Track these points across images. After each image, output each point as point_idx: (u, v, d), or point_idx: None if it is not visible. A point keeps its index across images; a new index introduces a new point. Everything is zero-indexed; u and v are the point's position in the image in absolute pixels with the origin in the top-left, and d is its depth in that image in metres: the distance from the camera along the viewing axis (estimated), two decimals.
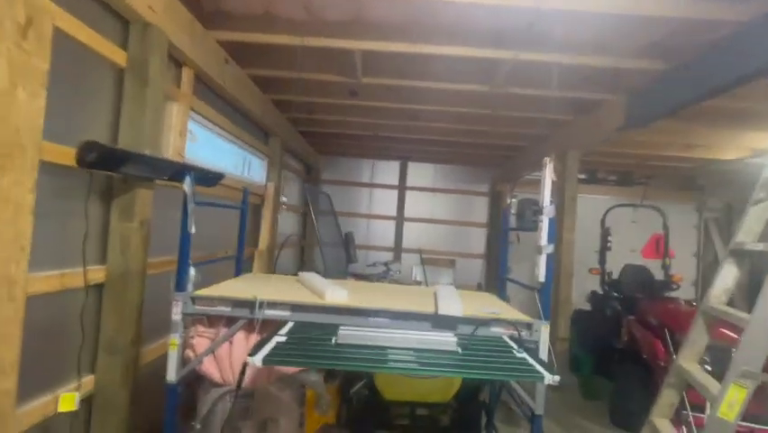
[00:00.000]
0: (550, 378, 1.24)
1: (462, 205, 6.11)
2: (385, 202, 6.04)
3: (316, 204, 4.74)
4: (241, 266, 2.29)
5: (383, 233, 6.02)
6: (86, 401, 1.73)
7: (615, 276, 3.88)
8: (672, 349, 2.50)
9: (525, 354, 1.42)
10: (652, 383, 2.57)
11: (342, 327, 1.46)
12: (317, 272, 2.25)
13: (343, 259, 4.20)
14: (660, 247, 3.93)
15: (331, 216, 4.65)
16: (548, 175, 1.71)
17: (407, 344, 1.41)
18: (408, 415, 2.06)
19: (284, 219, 4.46)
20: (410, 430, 2.14)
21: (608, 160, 4.74)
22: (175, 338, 1.59)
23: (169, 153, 2.11)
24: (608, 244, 3.98)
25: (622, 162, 4.91)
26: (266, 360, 1.22)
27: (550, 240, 1.60)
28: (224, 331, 1.63)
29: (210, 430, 1.60)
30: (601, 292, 3.91)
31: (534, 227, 1.70)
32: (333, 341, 1.39)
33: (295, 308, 1.62)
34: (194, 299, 1.62)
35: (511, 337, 1.59)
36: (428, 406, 2.02)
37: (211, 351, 1.61)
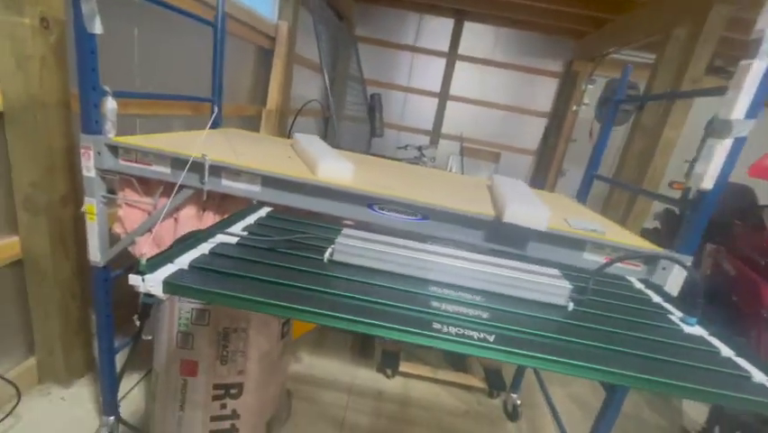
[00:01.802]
0: None
1: (522, 86, 4.97)
2: (428, 74, 4.97)
3: (324, 38, 3.60)
4: (219, 121, 1.65)
5: (421, 112, 5.11)
6: (17, 266, 1.34)
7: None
8: None
9: (700, 330, 0.79)
10: (743, 333, 2.01)
11: (344, 233, 0.84)
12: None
13: (366, 135, 3.46)
14: None
15: (357, 83, 3.77)
16: None
17: (473, 281, 0.76)
18: None
19: (305, 80, 3.66)
20: None
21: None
22: (91, 204, 1.06)
23: None
24: None
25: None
26: (170, 285, 0.60)
27: (751, 113, 0.82)
28: (163, 203, 1.08)
29: (155, 334, 1.18)
30: (678, 213, 3.12)
31: (624, 119, 1.09)
32: (326, 256, 0.80)
33: (267, 181, 1.02)
34: (115, 149, 1.04)
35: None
36: None
37: (146, 229, 1.08)
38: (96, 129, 1.01)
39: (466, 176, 1.66)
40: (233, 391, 1.19)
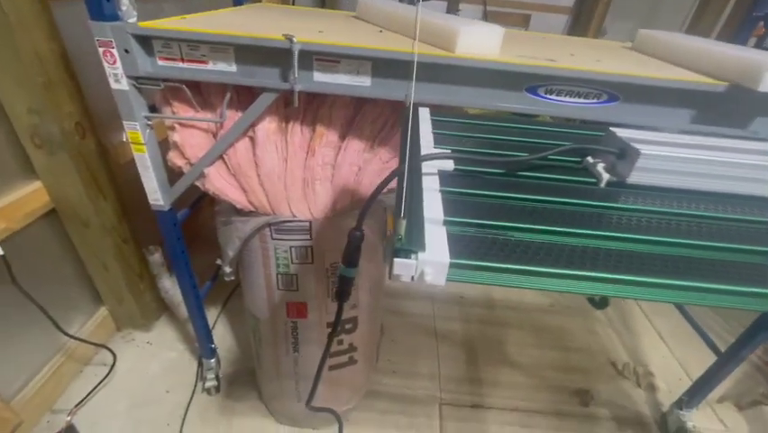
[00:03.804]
0: None
1: None
2: None
3: None
4: None
5: None
6: (53, 217, 1.10)
7: None
8: None
9: None
10: None
11: (626, 136, 0.51)
12: None
13: None
14: None
15: None
16: None
17: None
18: None
19: None
20: None
21: None
22: (134, 130, 0.76)
23: None
24: None
25: None
26: (462, 269, 0.34)
27: None
28: (233, 117, 0.78)
29: (247, 278, 1.00)
30: None
31: None
32: (605, 177, 0.49)
33: (380, 68, 0.69)
34: (148, 41, 0.69)
35: None
36: None
37: (216, 156, 0.80)
38: (111, 11, 0.66)
39: (589, 38, 1.28)
40: (348, 327, 1.06)
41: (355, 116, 0.85)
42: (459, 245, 0.35)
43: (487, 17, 4.08)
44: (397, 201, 0.37)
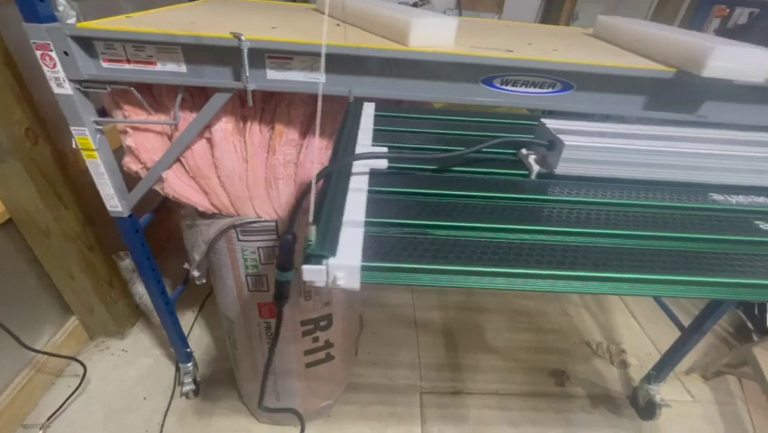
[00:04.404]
0: None
1: None
2: None
3: None
4: None
5: None
6: (10, 227, 1.06)
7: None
8: None
9: None
10: None
11: (554, 127, 0.51)
12: None
13: None
14: None
15: None
16: None
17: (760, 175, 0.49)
18: None
19: None
20: None
21: None
22: (83, 136, 0.73)
23: None
24: None
25: None
26: (373, 271, 0.33)
27: None
28: (187, 118, 0.76)
29: (217, 280, 0.98)
30: None
31: None
32: (534, 169, 0.50)
33: (334, 64, 0.68)
34: (89, 43, 0.66)
35: None
36: None
37: (173, 159, 0.78)
38: (46, 12, 0.62)
39: (550, 26, 1.28)
40: (322, 324, 1.06)
41: (315, 113, 0.83)
42: (375, 247, 0.35)
43: (461, 4, 4.06)
44: (313, 205, 0.36)
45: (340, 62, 0.68)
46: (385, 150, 0.51)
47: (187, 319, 1.48)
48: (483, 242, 0.36)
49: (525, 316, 1.66)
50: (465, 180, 0.47)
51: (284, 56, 0.67)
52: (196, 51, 0.67)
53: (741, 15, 2.47)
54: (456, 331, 1.56)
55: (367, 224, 0.37)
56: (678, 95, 0.72)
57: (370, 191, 0.42)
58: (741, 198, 0.46)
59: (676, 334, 1.18)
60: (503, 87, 0.71)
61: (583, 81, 0.71)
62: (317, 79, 0.70)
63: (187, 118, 0.76)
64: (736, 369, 1.40)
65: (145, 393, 1.23)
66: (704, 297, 0.34)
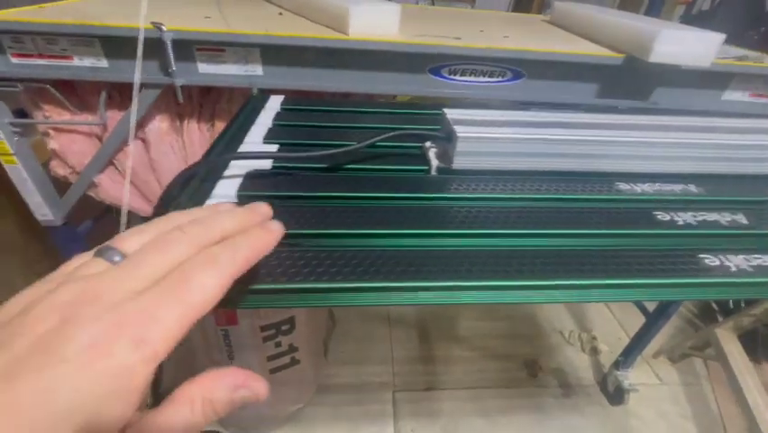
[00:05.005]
0: None
1: None
2: None
3: None
4: None
5: None
6: None
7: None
8: None
9: None
10: None
11: (452, 117, 0.45)
12: None
13: None
14: None
15: None
16: None
17: (676, 162, 0.45)
18: None
19: None
20: None
21: None
22: (1, 141, 0.67)
23: None
24: None
25: None
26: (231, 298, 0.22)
27: None
28: (116, 118, 0.70)
29: None
30: None
31: None
32: (434, 163, 0.44)
33: (270, 55, 0.64)
34: None
35: None
36: None
37: (105, 162, 0.72)
38: None
39: (509, 13, 1.25)
40: (284, 328, 1.02)
41: None
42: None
43: None
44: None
45: (277, 53, 0.64)
46: (272, 148, 0.46)
47: None
48: (368, 251, 0.30)
49: (498, 305, 1.66)
50: (358, 179, 0.40)
51: (214, 47, 0.62)
52: (117, 44, 0.61)
53: (704, 2, 2.50)
54: (430, 324, 1.55)
55: None
56: (628, 81, 0.70)
57: (240, 196, 0.36)
58: (646, 187, 0.43)
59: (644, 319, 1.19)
60: (451, 77, 0.68)
61: (534, 69, 0.68)
62: (254, 72, 0.65)
63: (115, 117, 0.70)
64: (700, 351, 1.44)
65: None
66: (611, 300, 0.31)
